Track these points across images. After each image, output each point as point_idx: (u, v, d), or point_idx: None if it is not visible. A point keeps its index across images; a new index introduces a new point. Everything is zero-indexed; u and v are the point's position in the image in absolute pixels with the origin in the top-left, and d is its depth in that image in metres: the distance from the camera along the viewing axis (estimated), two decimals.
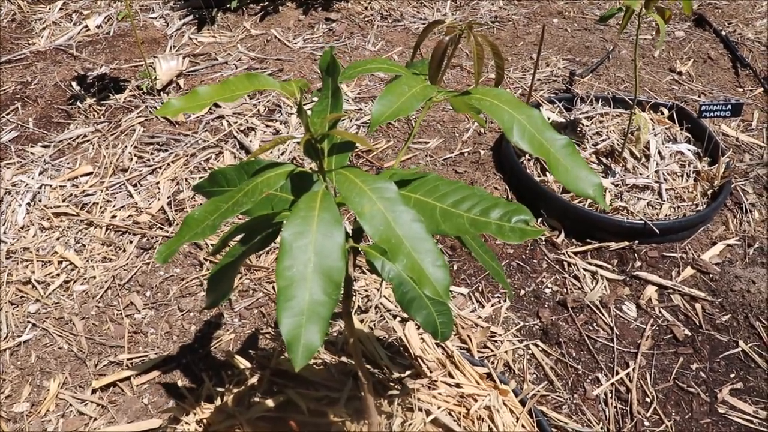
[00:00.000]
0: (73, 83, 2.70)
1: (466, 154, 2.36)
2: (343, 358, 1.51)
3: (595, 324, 1.83)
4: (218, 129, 2.46)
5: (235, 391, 1.44)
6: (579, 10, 3.23)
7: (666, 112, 2.40)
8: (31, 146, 2.42)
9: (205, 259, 1.98)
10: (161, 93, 2.62)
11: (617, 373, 1.71)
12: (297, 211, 0.80)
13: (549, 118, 2.33)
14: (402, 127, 2.50)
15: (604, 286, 1.92)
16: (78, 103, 2.60)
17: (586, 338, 1.79)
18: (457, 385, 1.46)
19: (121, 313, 1.85)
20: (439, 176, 0.96)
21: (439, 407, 1.38)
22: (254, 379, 1.46)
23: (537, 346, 1.77)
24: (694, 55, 2.90)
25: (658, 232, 1.93)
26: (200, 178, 2.25)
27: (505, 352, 1.74)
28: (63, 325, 1.82)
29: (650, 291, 1.90)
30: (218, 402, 1.41)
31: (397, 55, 2.88)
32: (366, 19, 3.12)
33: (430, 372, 1.48)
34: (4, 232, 2.06)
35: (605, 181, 2.10)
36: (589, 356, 1.75)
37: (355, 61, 2.90)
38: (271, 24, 3.07)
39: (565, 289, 1.91)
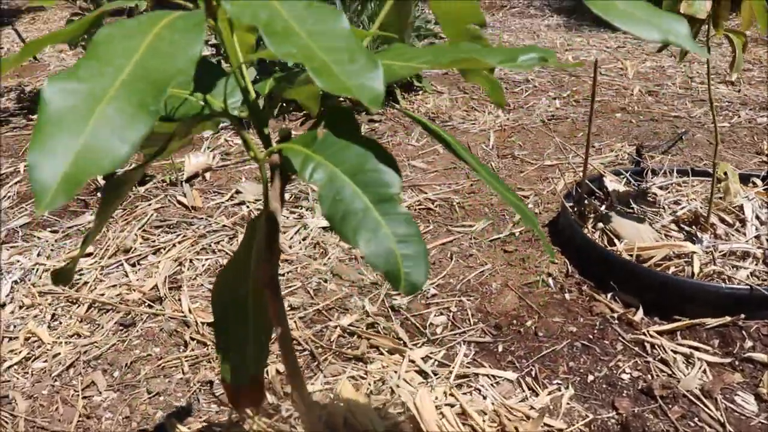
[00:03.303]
0: (99, 178, 2.58)
1: (517, 234, 1.98)
2: None
3: (696, 419, 1.31)
4: (236, 214, 2.22)
5: None
6: (644, 105, 2.95)
7: (760, 183, 1.99)
8: (40, 231, 2.23)
9: (192, 338, 1.63)
10: (184, 184, 2.44)
11: None
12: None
13: (615, 190, 1.96)
14: (443, 212, 2.17)
15: (704, 371, 1.41)
16: (99, 194, 2.44)
17: None
18: None
19: (77, 394, 1.48)
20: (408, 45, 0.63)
21: None
22: None
23: None
24: None
25: None
26: (207, 260, 1.96)
27: None
28: (4, 404, 1.46)
29: None
30: None
31: (441, 149, 2.64)
32: (411, 120, 2.95)
33: None
34: None
35: (691, 246, 1.67)
36: None
37: (396, 156, 2.69)
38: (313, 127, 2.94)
39: (649, 376, 1.42)
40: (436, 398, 1.21)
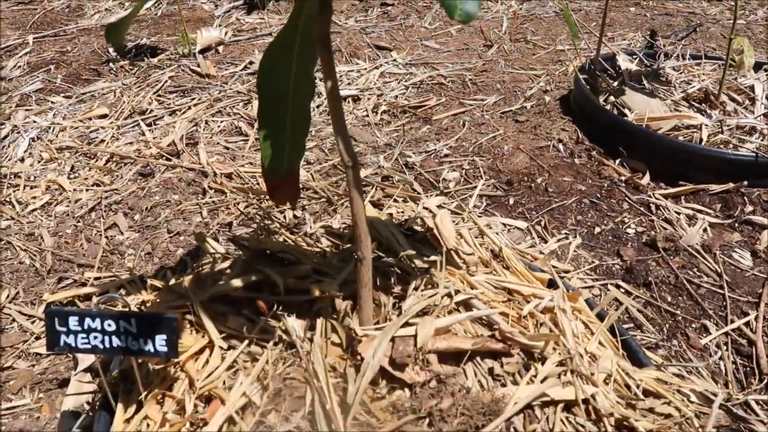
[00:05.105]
0: (110, 49, 2.56)
1: (528, 107, 2.00)
2: (348, 247, 1.13)
3: (696, 269, 1.38)
4: (250, 81, 2.22)
5: (202, 272, 1.08)
6: (659, 2, 2.92)
7: None
8: (53, 96, 2.24)
9: (210, 187, 1.67)
10: (197, 56, 2.43)
11: (732, 322, 1.24)
12: None
13: (628, 69, 1.97)
14: (456, 87, 2.18)
15: (705, 230, 1.47)
16: (111, 65, 2.43)
17: (685, 282, 1.33)
18: (504, 283, 1.05)
19: (100, 233, 1.54)
20: None
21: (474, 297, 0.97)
22: (226, 264, 1.09)
23: (619, 286, 1.33)
24: None
25: None
26: (222, 121, 1.99)
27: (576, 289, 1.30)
28: (31, 240, 1.52)
29: None
30: (172, 282, 1.04)
31: (455, 30, 2.62)
32: (424, 5, 2.90)
33: (468, 267, 1.07)
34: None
35: (700, 117, 1.69)
36: (690, 302, 1.29)
37: (409, 37, 2.67)
38: None
39: (653, 231, 1.48)
40: (455, 222, 1.27)
